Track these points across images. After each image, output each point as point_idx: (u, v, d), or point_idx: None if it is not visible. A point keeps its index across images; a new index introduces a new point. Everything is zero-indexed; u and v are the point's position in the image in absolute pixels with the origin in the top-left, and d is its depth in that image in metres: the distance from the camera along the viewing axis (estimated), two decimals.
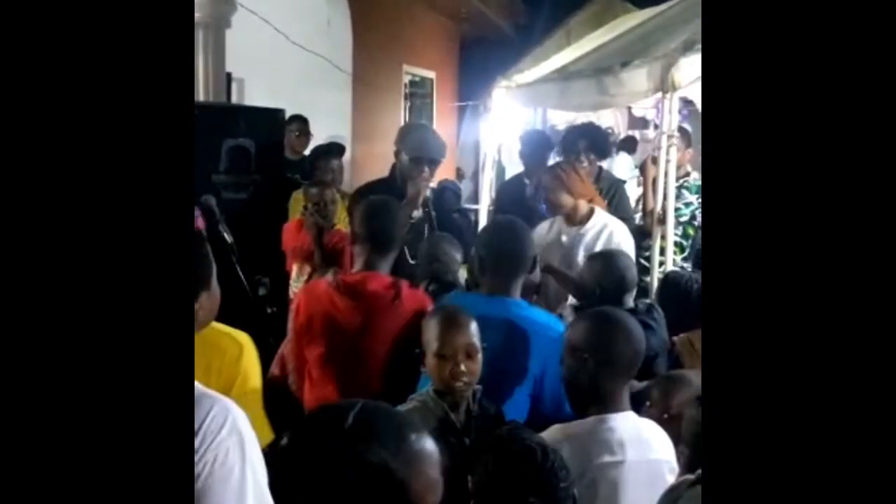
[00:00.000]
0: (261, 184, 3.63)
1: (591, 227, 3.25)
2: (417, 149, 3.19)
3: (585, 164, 3.92)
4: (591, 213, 3.30)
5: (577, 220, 3.31)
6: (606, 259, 2.64)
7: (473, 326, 1.86)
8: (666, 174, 3.51)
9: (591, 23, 7.57)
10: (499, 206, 4.34)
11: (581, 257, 3.12)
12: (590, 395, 1.76)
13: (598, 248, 3.12)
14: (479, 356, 1.84)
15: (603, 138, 4.35)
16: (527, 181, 4.45)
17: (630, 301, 2.52)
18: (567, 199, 3.27)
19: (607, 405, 1.73)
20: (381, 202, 2.35)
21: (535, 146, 4.45)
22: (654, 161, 3.51)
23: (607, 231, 3.23)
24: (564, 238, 3.32)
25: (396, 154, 3.26)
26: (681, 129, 4.05)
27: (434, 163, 3.27)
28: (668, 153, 3.53)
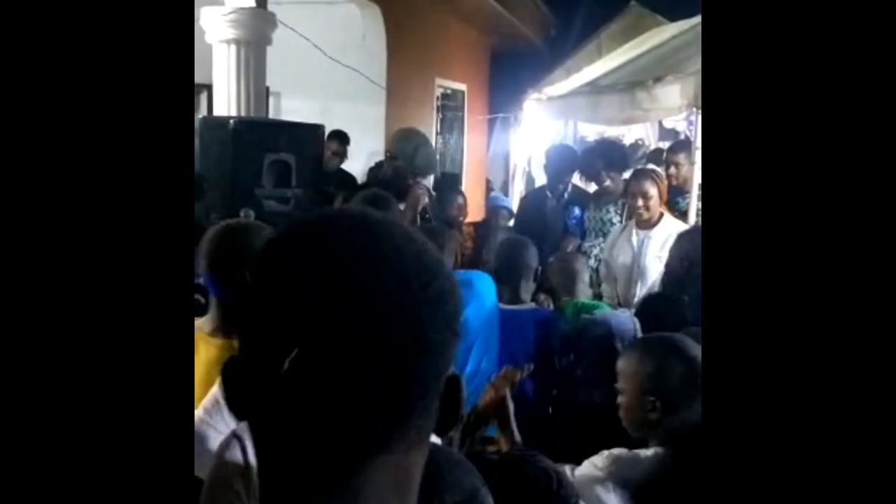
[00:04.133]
0: (301, 197, 3.73)
1: (660, 232, 3.45)
2: (426, 166, 3.41)
3: (607, 182, 4.08)
4: (661, 217, 3.50)
5: (649, 224, 3.50)
6: (694, 236, 2.78)
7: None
8: (700, 187, 3.59)
9: (622, 35, 7.59)
10: (521, 217, 4.46)
11: (648, 259, 3.39)
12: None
13: (665, 250, 3.27)
14: None
15: (620, 154, 4.49)
16: (549, 194, 4.56)
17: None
18: (657, 203, 3.49)
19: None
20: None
21: (561, 161, 4.57)
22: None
23: (674, 237, 3.36)
24: (634, 240, 3.51)
25: (391, 158, 3.46)
26: (686, 144, 4.12)
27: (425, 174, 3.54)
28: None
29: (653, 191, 3.47)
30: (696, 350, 1.69)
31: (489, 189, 8.45)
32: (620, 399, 1.77)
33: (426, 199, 3.48)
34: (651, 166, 4.49)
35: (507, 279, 2.75)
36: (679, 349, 1.71)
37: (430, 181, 4.49)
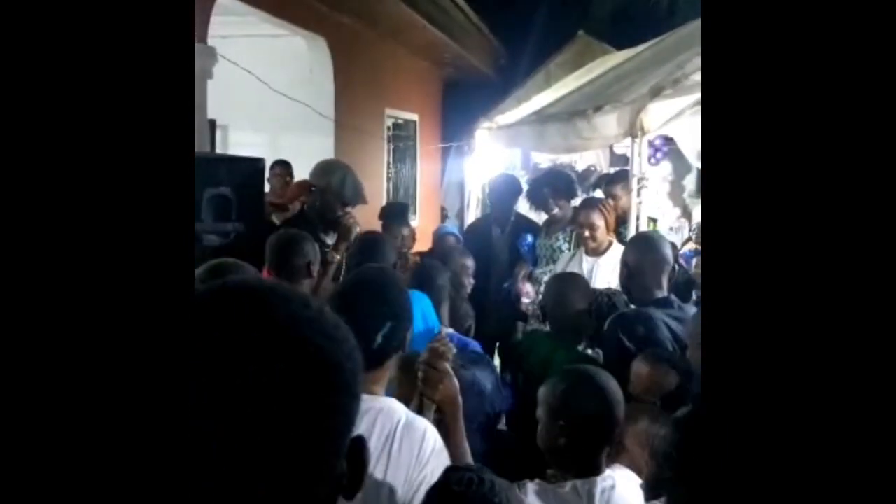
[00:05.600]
0: (241, 230, 3.68)
1: (608, 259, 3.56)
2: (353, 196, 3.50)
3: (556, 210, 4.14)
4: (610, 245, 3.61)
5: (598, 252, 3.60)
6: (645, 240, 2.91)
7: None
8: (637, 217, 3.64)
9: (570, 64, 7.73)
10: (467, 246, 4.51)
11: (599, 285, 3.41)
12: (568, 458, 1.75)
13: (615, 276, 3.35)
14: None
15: (566, 182, 4.59)
16: (493, 223, 4.63)
17: (665, 282, 2.64)
18: (604, 233, 3.62)
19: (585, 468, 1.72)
20: None
21: (504, 191, 4.65)
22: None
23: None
24: (585, 267, 3.60)
25: (318, 191, 3.53)
26: (623, 174, 4.23)
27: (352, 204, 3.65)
28: (639, 194, 3.65)
29: (599, 221, 3.58)
30: (609, 382, 1.78)
31: (444, 217, 8.49)
32: (539, 425, 1.81)
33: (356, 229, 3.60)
34: (600, 194, 4.57)
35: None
36: (590, 378, 1.79)
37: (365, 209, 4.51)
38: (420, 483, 1.51)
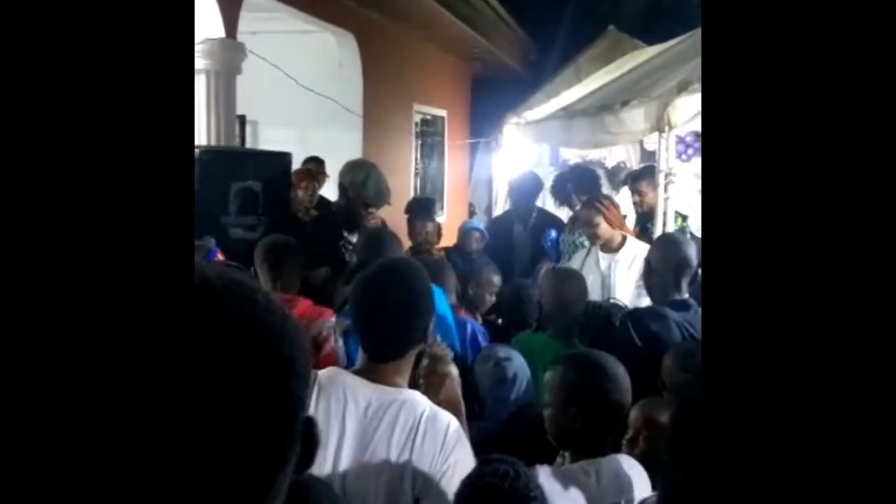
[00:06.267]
0: (268, 224, 3.72)
1: (625, 254, 3.57)
2: (375, 196, 3.54)
3: (578, 206, 4.14)
4: (624, 241, 3.62)
5: (612, 248, 3.63)
6: (669, 242, 2.89)
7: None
8: (665, 213, 3.62)
9: (600, 59, 7.67)
10: (490, 242, 4.55)
11: (617, 279, 3.52)
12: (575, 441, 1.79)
13: (633, 272, 3.47)
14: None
15: (589, 179, 4.59)
16: (515, 220, 4.65)
17: (685, 285, 2.64)
18: (606, 230, 3.61)
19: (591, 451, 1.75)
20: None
21: (524, 188, 4.67)
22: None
23: (640, 257, 3.48)
24: (602, 264, 3.62)
25: (344, 191, 3.59)
26: (649, 171, 4.20)
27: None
28: (666, 190, 3.62)
29: (597, 219, 3.59)
30: (617, 367, 1.80)
31: (472, 213, 8.49)
32: (547, 411, 1.83)
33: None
34: (606, 193, 4.57)
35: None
36: (600, 364, 1.81)
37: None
38: (443, 473, 1.52)
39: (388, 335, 1.62)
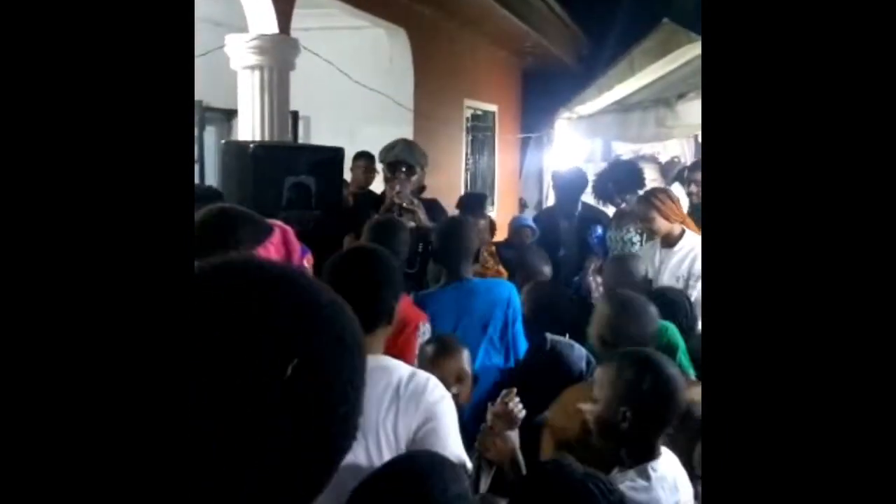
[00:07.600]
0: (321, 218, 3.75)
1: (680, 249, 3.54)
2: (401, 153, 3.55)
3: (623, 205, 4.09)
4: (682, 234, 3.57)
5: (671, 242, 3.58)
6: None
7: (465, 354, 2.10)
8: None
9: (654, 52, 7.52)
10: (540, 234, 4.54)
11: (666, 276, 3.48)
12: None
13: (684, 268, 3.45)
14: (469, 381, 2.07)
15: (630, 175, 4.54)
16: (559, 215, 4.61)
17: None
18: (662, 224, 3.56)
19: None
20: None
21: (568, 184, 4.62)
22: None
23: (693, 253, 3.48)
24: (656, 258, 3.60)
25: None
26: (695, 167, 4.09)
27: (403, 165, 3.69)
28: None
29: (652, 213, 3.54)
30: (672, 368, 1.76)
31: (523, 208, 8.44)
32: (592, 408, 1.78)
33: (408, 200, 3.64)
34: (660, 186, 4.48)
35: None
36: (656, 364, 1.75)
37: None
38: (431, 426, 1.58)
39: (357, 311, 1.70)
